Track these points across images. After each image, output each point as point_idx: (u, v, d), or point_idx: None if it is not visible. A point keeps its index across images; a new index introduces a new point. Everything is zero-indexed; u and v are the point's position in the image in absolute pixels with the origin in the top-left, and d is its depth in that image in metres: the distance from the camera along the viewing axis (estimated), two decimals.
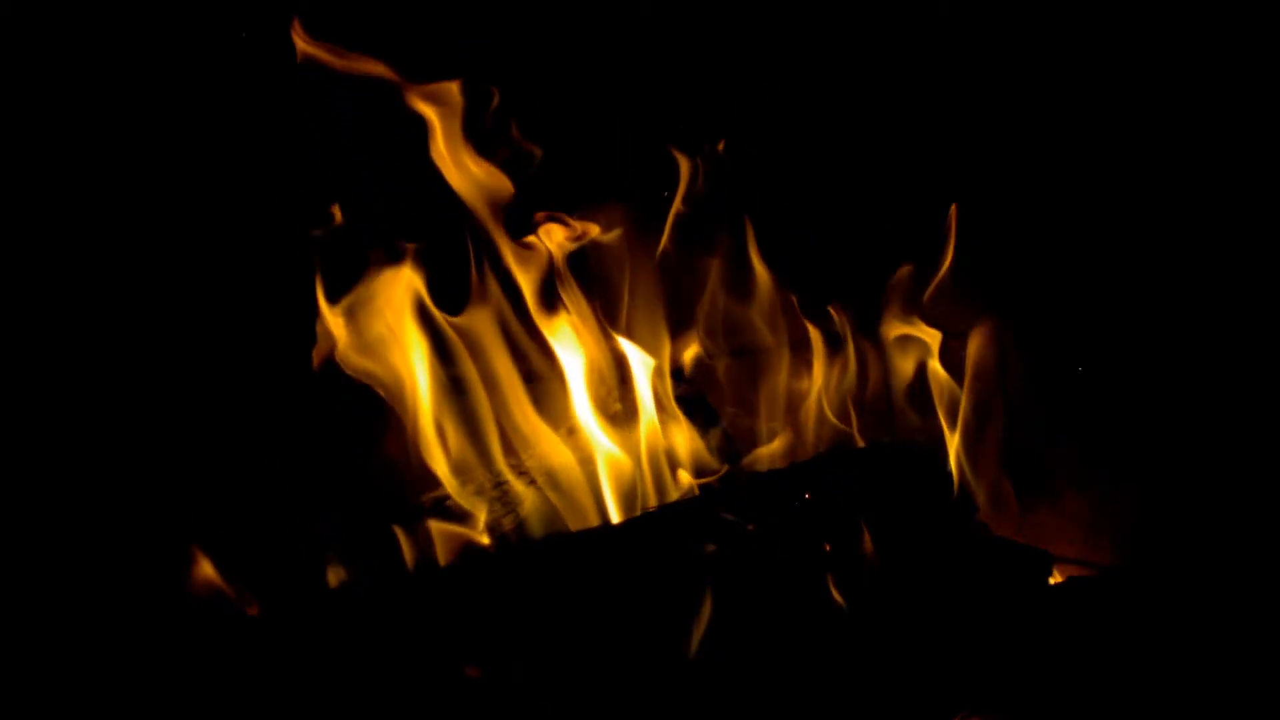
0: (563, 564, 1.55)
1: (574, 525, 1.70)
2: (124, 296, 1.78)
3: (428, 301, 1.72)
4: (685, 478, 1.75)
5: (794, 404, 1.92)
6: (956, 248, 1.84)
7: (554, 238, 1.79)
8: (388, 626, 1.49)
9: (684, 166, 1.91)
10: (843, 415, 1.89)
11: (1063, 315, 1.83)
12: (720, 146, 1.92)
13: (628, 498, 1.72)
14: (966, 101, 1.89)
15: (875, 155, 1.97)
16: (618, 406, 1.80)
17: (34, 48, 1.75)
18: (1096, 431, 1.82)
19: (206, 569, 1.57)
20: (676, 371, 1.88)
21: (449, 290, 1.76)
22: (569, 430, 1.77)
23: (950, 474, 1.75)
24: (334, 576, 1.62)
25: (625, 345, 1.80)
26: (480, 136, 1.75)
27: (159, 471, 1.74)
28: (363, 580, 1.60)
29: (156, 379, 1.78)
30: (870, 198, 1.98)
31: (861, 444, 1.87)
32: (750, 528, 1.56)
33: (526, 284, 1.76)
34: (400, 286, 1.71)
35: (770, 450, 1.89)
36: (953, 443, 1.79)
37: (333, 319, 1.69)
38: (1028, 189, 1.85)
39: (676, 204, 1.91)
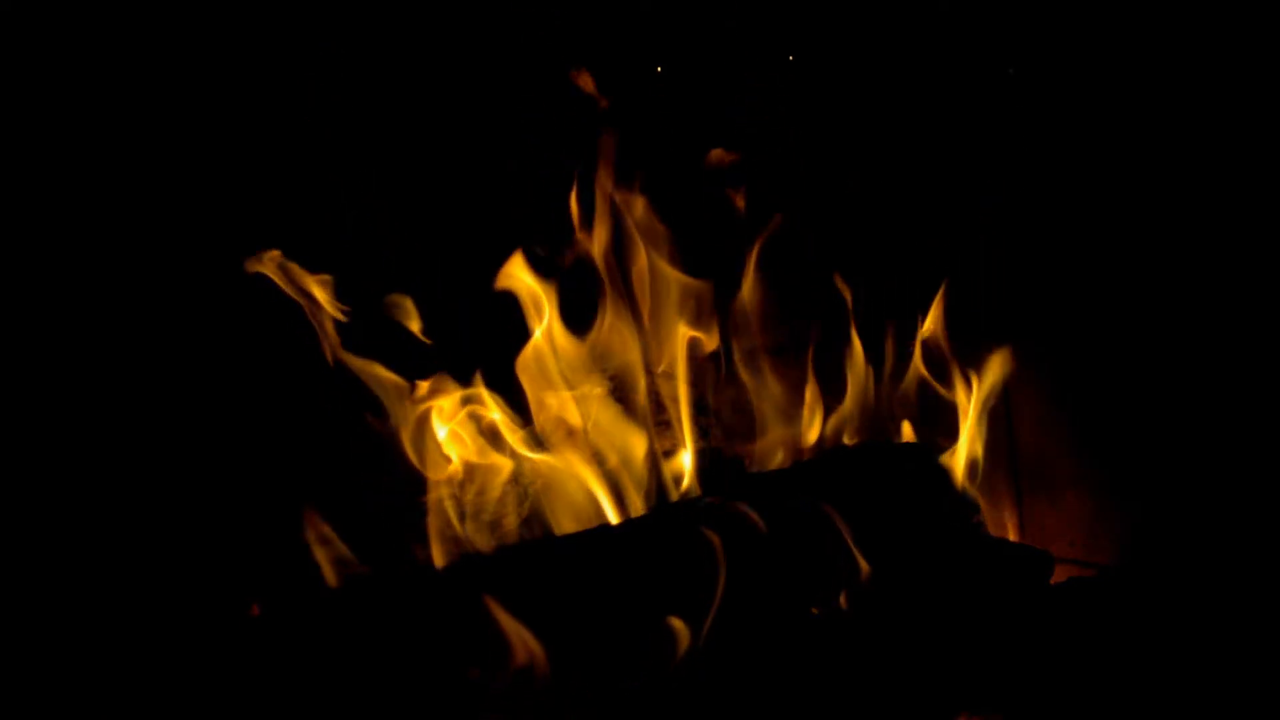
0: (563, 564, 1.55)
1: (574, 525, 1.70)
2: (123, 298, 1.78)
3: None
4: (685, 478, 1.75)
5: (794, 404, 1.92)
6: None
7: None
8: (388, 626, 1.49)
9: None
10: (843, 416, 1.89)
11: (1063, 315, 1.84)
12: None
13: (628, 498, 1.72)
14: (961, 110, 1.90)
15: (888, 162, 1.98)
16: (615, 406, 1.80)
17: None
18: (1096, 431, 1.82)
19: None
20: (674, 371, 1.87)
21: None
22: (569, 430, 1.77)
23: (950, 474, 1.75)
24: (334, 577, 1.62)
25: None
26: None
27: (159, 471, 1.74)
28: (363, 580, 1.60)
29: (159, 379, 1.77)
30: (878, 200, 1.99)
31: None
32: (750, 528, 1.56)
33: None
34: None
35: (770, 450, 1.89)
36: (953, 442, 1.79)
37: None
38: (1030, 191, 1.85)
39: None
